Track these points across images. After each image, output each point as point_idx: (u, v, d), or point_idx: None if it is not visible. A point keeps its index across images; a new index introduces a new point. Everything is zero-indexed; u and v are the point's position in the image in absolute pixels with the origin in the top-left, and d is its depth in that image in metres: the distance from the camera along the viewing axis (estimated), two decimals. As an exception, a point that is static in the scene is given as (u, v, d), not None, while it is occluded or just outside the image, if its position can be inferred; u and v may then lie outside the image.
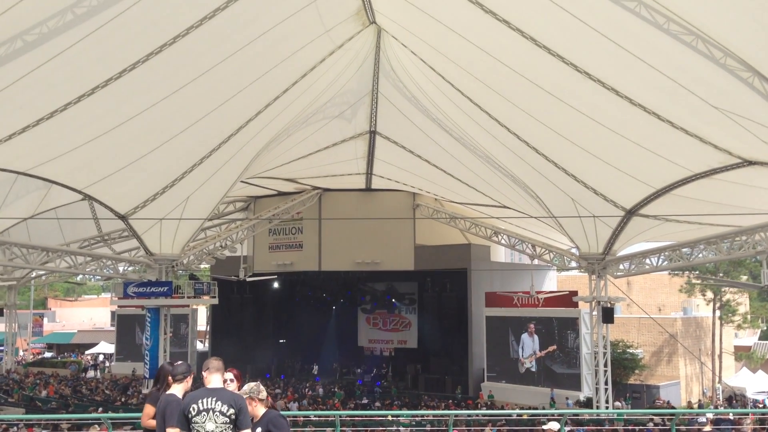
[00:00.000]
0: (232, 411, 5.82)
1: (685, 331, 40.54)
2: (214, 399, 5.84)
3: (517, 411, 23.42)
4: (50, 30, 13.32)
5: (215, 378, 6.02)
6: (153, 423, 6.49)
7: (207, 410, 5.80)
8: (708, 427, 13.61)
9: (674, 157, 17.80)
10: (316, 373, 39.31)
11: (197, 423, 5.80)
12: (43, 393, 32.92)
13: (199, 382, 6.36)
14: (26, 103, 16.02)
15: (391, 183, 32.86)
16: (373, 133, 26.34)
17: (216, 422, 5.78)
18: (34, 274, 41.95)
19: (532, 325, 31.43)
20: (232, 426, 5.84)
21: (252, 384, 6.43)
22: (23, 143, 17.28)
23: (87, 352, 57.14)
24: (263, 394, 6.35)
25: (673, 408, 27.84)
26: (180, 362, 6.66)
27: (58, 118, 16.52)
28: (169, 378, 6.52)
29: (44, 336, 63.77)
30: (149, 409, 6.83)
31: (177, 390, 6.40)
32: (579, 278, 40.83)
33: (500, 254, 39.37)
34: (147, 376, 25.97)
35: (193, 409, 5.83)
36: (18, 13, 12.84)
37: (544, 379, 30.86)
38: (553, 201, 23.59)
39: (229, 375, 6.46)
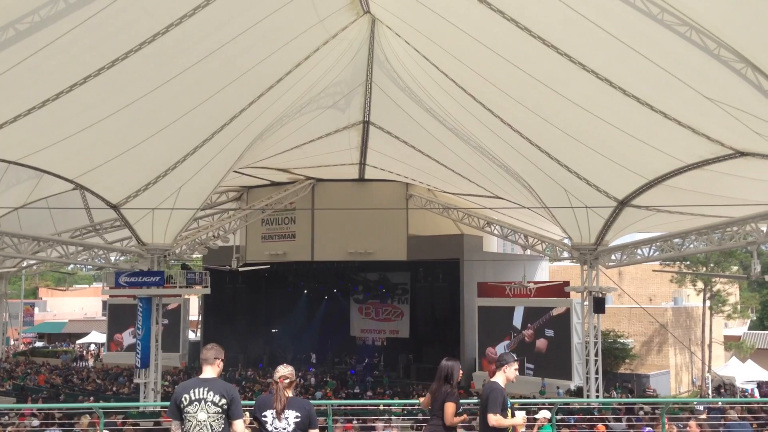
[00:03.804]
0: (224, 401, 5.81)
1: (675, 321, 40.81)
2: (206, 389, 5.83)
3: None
4: (42, 19, 13.18)
5: (207, 368, 6.03)
6: (458, 420, 7.04)
7: (199, 400, 5.79)
8: (704, 415, 13.77)
9: (667, 148, 17.84)
10: (314, 361, 39.44)
11: (189, 413, 5.79)
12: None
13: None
14: (18, 93, 15.88)
15: (384, 173, 32.82)
16: (366, 123, 26.27)
17: (208, 412, 5.77)
18: (25, 264, 41.81)
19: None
20: (224, 416, 5.84)
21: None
22: (15, 132, 17.13)
23: (78, 342, 57.07)
24: (277, 375, 6.26)
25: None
26: (505, 352, 7.08)
27: (49, 107, 16.38)
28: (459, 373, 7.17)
29: (35, 326, 63.63)
30: (451, 408, 7.08)
31: (500, 378, 7.04)
32: (571, 268, 41.02)
33: (493, 244, 39.47)
34: (138, 365, 25.87)
35: (185, 398, 5.81)
36: (10, 2, 12.74)
37: (535, 368, 31.06)
38: (546, 191, 23.63)
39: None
